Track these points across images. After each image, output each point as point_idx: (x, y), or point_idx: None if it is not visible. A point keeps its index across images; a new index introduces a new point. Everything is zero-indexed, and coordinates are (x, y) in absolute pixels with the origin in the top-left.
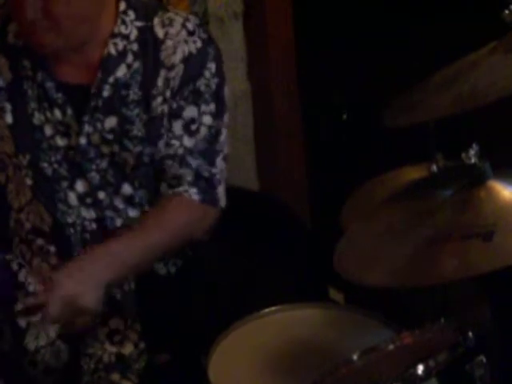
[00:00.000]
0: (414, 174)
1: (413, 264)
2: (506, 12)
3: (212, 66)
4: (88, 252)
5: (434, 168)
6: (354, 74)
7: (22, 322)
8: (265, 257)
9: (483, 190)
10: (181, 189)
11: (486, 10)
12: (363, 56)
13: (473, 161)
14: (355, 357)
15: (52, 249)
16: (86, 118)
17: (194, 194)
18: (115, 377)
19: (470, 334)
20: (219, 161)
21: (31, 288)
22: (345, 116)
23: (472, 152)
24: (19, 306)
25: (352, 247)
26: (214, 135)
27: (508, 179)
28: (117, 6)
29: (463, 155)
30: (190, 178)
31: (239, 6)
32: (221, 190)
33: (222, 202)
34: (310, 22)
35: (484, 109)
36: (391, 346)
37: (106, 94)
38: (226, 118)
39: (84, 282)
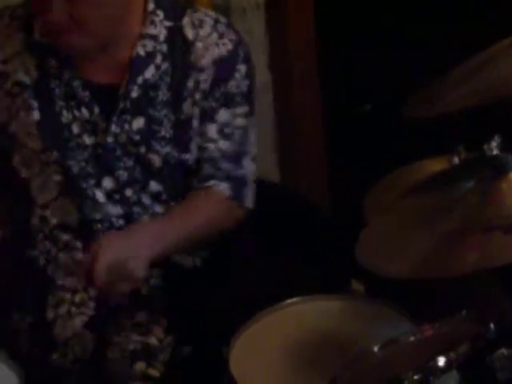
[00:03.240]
0: (435, 165)
1: (434, 256)
2: None
3: (242, 67)
4: (129, 227)
5: (456, 160)
6: (377, 66)
7: (50, 314)
8: (286, 248)
9: (505, 182)
10: (212, 182)
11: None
12: (385, 47)
13: (494, 152)
14: (376, 348)
15: (79, 244)
16: (113, 119)
17: (225, 189)
18: (141, 365)
19: (492, 325)
20: (247, 161)
21: (60, 282)
22: (369, 107)
23: (494, 144)
24: (50, 300)
25: (374, 239)
26: (243, 137)
27: None
28: (145, 6)
29: (485, 147)
30: (219, 176)
31: None
32: (248, 191)
33: (250, 203)
34: (331, 14)
35: (506, 101)
36: (412, 338)
37: (134, 94)
38: (254, 119)
39: (131, 248)
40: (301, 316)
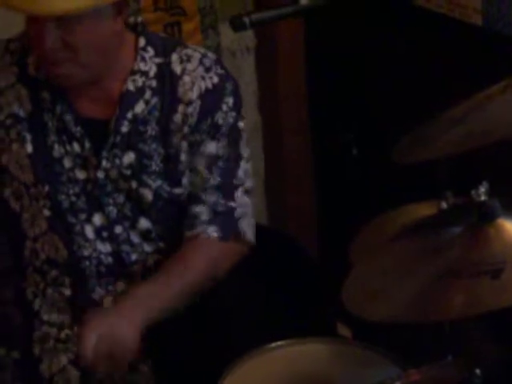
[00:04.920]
0: (423, 210)
1: (420, 300)
2: None
3: (229, 100)
4: (114, 306)
5: (444, 205)
6: (364, 110)
7: (36, 350)
8: (273, 291)
9: (492, 228)
10: (198, 230)
11: (497, 48)
12: (373, 91)
13: (482, 198)
14: None
15: (67, 280)
16: (104, 154)
17: (212, 231)
18: None
19: (478, 371)
20: (239, 195)
21: (45, 317)
22: (354, 151)
23: (482, 189)
24: (36, 335)
25: (360, 283)
26: (230, 169)
27: None
28: (136, 42)
29: (473, 193)
30: (206, 216)
31: (252, 40)
32: (244, 225)
33: (249, 236)
34: (321, 58)
35: (494, 146)
36: (398, 383)
37: (124, 129)
38: (244, 151)
39: (117, 323)
40: (287, 359)
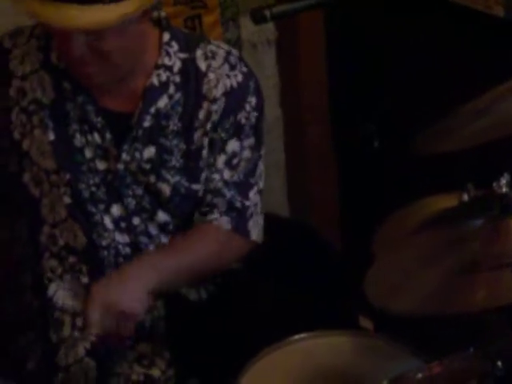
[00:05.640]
0: (444, 202)
1: (441, 293)
2: None
3: (252, 99)
4: (128, 264)
5: (465, 197)
6: (386, 101)
7: (54, 338)
8: (295, 283)
9: None
10: (212, 217)
11: None
12: (394, 83)
13: (504, 190)
14: None
15: (84, 268)
16: (124, 147)
17: (225, 222)
18: None
19: (499, 363)
20: (253, 194)
21: (59, 303)
22: (376, 143)
23: (503, 181)
24: (50, 321)
25: (382, 275)
26: (251, 169)
27: None
28: (160, 37)
29: (494, 185)
30: (222, 207)
31: (272, 33)
32: (253, 223)
33: (255, 235)
34: (342, 50)
35: None
36: (420, 375)
37: (146, 124)
38: (263, 151)
39: (123, 288)
40: (308, 352)
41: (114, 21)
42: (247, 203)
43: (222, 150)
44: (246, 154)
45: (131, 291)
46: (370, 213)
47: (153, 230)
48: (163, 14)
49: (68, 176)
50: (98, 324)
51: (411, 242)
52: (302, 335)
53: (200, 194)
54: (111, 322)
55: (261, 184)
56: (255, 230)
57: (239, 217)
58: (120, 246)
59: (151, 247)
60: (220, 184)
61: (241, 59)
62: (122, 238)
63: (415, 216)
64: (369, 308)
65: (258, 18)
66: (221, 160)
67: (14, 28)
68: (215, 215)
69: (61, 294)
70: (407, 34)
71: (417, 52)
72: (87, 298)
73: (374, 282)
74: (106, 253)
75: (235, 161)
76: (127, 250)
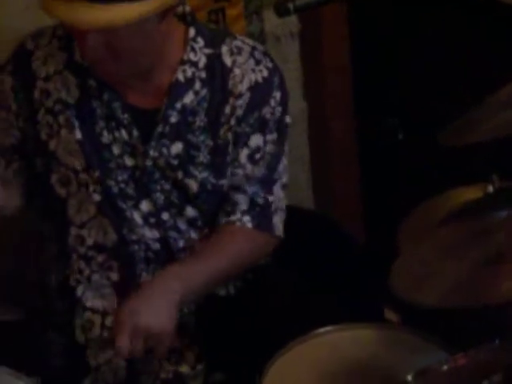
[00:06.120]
0: (469, 194)
1: (467, 285)
2: None
3: (277, 94)
4: (151, 278)
5: (490, 188)
6: (410, 94)
7: (81, 337)
8: (319, 276)
9: None
10: (234, 217)
11: None
12: (419, 75)
13: None
14: (409, 378)
15: (114, 265)
16: (152, 143)
17: (247, 221)
18: None
19: None
20: (276, 189)
21: (89, 304)
22: (400, 136)
23: None
24: (78, 322)
25: (407, 267)
26: (274, 164)
27: None
28: (186, 33)
29: None
30: (244, 205)
31: (296, 25)
32: (277, 219)
33: (278, 231)
34: (366, 43)
35: None
36: (445, 367)
37: (172, 120)
38: (286, 146)
39: (150, 309)
40: (334, 345)
41: (127, 20)
42: (271, 198)
43: (245, 145)
44: (269, 148)
45: (159, 310)
46: (394, 206)
47: (182, 225)
48: (188, 8)
49: (97, 173)
50: (128, 350)
51: (436, 234)
52: (328, 328)
53: (225, 188)
54: (142, 345)
55: (284, 179)
56: (279, 225)
57: (262, 213)
58: (150, 242)
59: (181, 242)
60: (242, 180)
61: (266, 54)
62: (151, 234)
63: (440, 208)
64: (394, 301)
65: (281, 11)
66: (243, 154)
67: (35, 30)
68: (237, 215)
69: (89, 294)
70: (432, 25)
71: (441, 43)
72: (115, 324)
73: (399, 275)
74: (136, 247)
75: (258, 155)
76: (157, 245)
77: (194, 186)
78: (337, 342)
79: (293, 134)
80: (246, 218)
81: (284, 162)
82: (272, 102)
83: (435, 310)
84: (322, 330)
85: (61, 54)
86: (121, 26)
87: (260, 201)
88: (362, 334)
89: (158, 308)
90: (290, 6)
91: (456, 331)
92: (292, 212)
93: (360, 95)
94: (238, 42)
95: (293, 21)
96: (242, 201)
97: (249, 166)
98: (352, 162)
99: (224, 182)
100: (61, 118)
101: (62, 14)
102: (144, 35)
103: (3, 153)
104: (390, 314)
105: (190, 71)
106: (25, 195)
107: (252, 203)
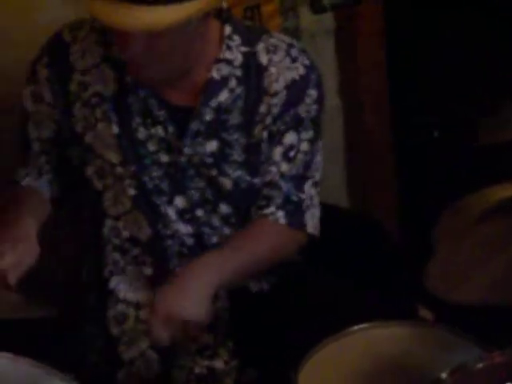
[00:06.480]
0: (505, 192)
1: (504, 282)
2: None
3: (313, 92)
4: (185, 267)
5: None
6: (446, 92)
7: (115, 330)
8: (354, 274)
9: None
10: (268, 211)
11: None
12: (454, 72)
13: None
14: (444, 375)
15: (148, 259)
16: (187, 140)
17: (280, 217)
18: None
19: None
20: (308, 187)
21: (122, 295)
22: (436, 134)
23: None
24: (110, 314)
25: (443, 265)
26: (307, 162)
27: None
28: (222, 30)
29: None
30: (279, 200)
31: (331, 22)
32: (309, 216)
33: (311, 228)
34: (402, 40)
35: None
36: (481, 365)
37: (207, 117)
38: (320, 145)
39: (184, 297)
40: (368, 342)
41: (173, 22)
42: (302, 196)
43: (280, 142)
44: (304, 146)
45: (193, 298)
46: (428, 203)
47: (216, 221)
48: (224, 5)
49: (133, 168)
50: (164, 337)
51: (473, 232)
52: (362, 326)
53: (259, 186)
54: (177, 332)
55: (317, 176)
56: (311, 222)
57: (295, 210)
58: (184, 237)
59: (214, 238)
60: (277, 177)
61: (303, 52)
62: (185, 229)
63: (477, 205)
64: (428, 298)
65: (317, 8)
66: (278, 152)
67: (74, 20)
68: (271, 209)
69: (123, 286)
70: (467, 22)
71: (477, 40)
72: (150, 312)
73: (434, 273)
74: (170, 242)
75: (292, 153)
76: (191, 240)
77: (227, 183)
78: (371, 340)
79: (328, 131)
80: (280, 214)
81: (317, 159)
82: (308, 100)
83: (470, 307)
84: (355, 327)
85: (98, 47)
86: (166, 28)
87: (294, 198)
88: (396, 332)
89: (192, 297)
90: (326, 2)
91: (492, 329)
92: (326, 209)
93: (395, 92)
94: (274, 40)
95: (328, 18)
96: (277, 196)
97: (283, 164)
98: (387, 158)
99: (258, 179)
100: (98, 112)
101: (106, 16)
102: (185, 37)
103: (36, 156)
104: (424, 312)
105: (225, 69)
106: (56, 202)
107: (286, 200)
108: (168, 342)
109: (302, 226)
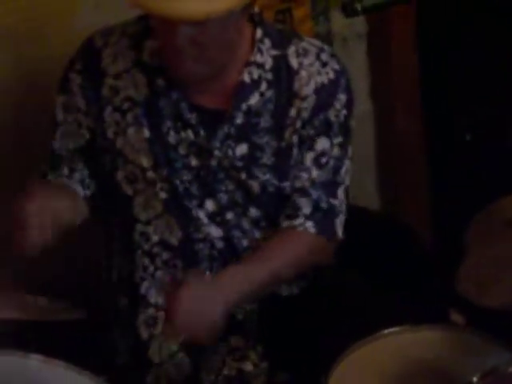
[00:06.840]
0: None
1: None
2: None
3: (343, 97)
4: (215, 272)
5: None
6: (478, 95)
7: (145, 334)
8: (386, 277)
9: None
10: (296, 222)
11: None
12: (486, 75)
13: None
14: (475, 379)
15: (179, 263)
16: (217, 144)
17: (310, 227)
18: None
19: None
20: (340, 193)
21: (153, 300)
22: (468, 137)
23: None
24: (141, 318)
25: (474, 269)
26: (338, 167)
27: None
28: (253, 33)
29: None
30: (307, 209)
31: (364, 26)
32: (338, 222)
33: (339, 234)
34: (434, 43)
35: None
36: None
37: (238, 121)
38: (350, 150)
39: (211, 298)
40: (399, 346)
41: (218, 12)
42: (334, 202)
43: (311, 148)
44: (335, 152)
45: (216, 302)
46: (461, 206)
47: (246, 224)
48: (256, 8)
49: (165, 172)
50: (182, 329)
51: (504, 236)
52: (392, 329)
53: (287, 190)
54: (193, 327)
55: (347, 181)
56: (341, 228)
57: (325, 218)
58: (215, 240)
59: (244, 242)
60: (307, 183)
61: (333, 56)
62: (216, 232)
63: (508, 210)
64: (460, 302)
65: (349, 12)
66: (309, 158)
67: (104, 27)
68: (300, 220)
69: (153, 291)
70: (502, 25)
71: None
72: (175, 296)
73: (466, 277)
74: (201, 246)
75: (324, 159)
76: (221, 244)
77: (255, 187)
78: (401, 344)
79: (359, 134)
80: (309, 224)
81: (347, 164)
82: (337, 105)
83: (502, 311)
84: (386, 331)
85: (130, 52)
86: (215, 18)
87: (324, 205)
88: (427, 336)
89: (216, 301)
90: (358, 6)
91: None
92: (357, 213)
93: (428, 96)
94: (304, 44)
95: (361, 21)
96: (306, 205)
97: (314, 170)
98: (419, 162)
99: (286, 184)
100: (129, 116)
101: (156, 7)
102: (227, 30)
103: (68, 160)
104: (455, 316)
105: (256, 73)
106: (88, 204)
107: (315, 208)
108: (182, 333)
109: (333, 234)
